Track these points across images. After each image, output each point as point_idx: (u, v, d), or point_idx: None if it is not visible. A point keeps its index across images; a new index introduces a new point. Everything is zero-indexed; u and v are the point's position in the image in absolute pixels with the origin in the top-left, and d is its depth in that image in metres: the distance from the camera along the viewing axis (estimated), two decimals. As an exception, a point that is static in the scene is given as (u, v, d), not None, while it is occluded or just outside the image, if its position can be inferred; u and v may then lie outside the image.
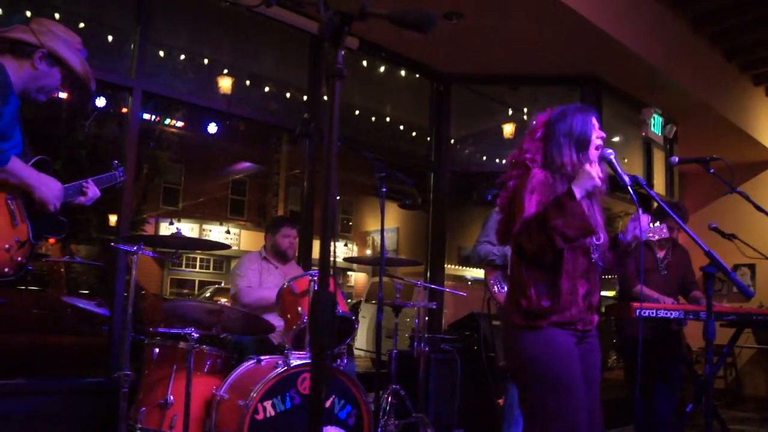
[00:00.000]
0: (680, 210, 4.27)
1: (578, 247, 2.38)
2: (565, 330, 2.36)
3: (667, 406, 4.30)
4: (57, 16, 4.16)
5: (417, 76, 6.11)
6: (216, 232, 19.19)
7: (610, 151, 2.45)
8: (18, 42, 2.36)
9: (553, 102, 2.57)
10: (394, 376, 4.08)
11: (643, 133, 6.68)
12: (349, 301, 16.52)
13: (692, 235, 2.59)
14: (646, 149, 7.05)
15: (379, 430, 3.74)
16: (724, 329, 4.09)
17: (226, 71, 5.02)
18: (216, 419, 3.08)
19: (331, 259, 1.46)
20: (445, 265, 6.27)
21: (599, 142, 2.44)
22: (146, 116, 9.37)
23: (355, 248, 21.44)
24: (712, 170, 3.59)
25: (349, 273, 21.51)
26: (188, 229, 17.88)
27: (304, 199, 5.08)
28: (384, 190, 3.81)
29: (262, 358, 3.23)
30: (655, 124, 6.70)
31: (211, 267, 21.62)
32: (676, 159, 3.99)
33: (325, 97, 1.47)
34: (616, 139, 6.85)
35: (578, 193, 2.22)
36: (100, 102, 4.99)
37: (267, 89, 5.35)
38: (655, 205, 3.78)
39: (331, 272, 1.46)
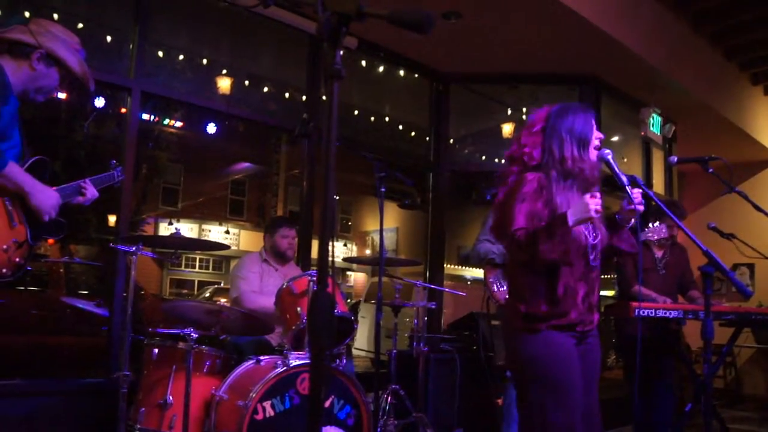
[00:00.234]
0: (677, 208, 4.27)
1: (575, 251, 2.38)
2: (565, 332, 2.36)
3: (667, 405, 4.31)
4: (56, 16, 4.15)
5: (416, 75, 6.11)
6: (215, 233, 19.17)
7: (608, 151, 2.45)
8: (16, 43, 2.36)
9: (553, 102, 2.57)
10: (394, 376, 4.08)
11: (642, 133, 6.68)
12: (349, 301, 16.51)
13: (690, 234, 2.59)
14: (645, 149, 7.06)
15: (379, 430, 3.74)
16: (723, 329, 4.09)
17: (224, 71, 5.02)
18: (215, 419, 3.08)
19: (330, 259, 1.46)
20: (445, 265, 6.27)
21: (597, 143, 2.45)
22: (145, 116, 9.37)
23: (355, 248, 21.45)
24: (711, 170, 3.59)
25: (349, 273, 21.51)
26: (187, 229, 17.86)
27: (304, 199, 5.07)
28: (383, 189, 3.81)
29: (262, 358, 3.23)
30: (654, 123, 6.70)
31: (211, 267, 21.61)
32: (675, 159, 3.99)
33: (324, 97, 1.47)
34: (615, 138, 6.86)
35: (571, 220, 2.21)
36: (99, 102, 4.99)
37: (266, 89, 5.35)
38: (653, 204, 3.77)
39: (330, 272, 1.46)
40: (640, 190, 2.44)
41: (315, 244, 4.69)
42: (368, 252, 20.37)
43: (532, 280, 2.38)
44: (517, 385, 2.58)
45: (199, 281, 21.02)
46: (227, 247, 5.61)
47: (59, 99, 7.77)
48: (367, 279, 17.36)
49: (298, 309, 3.43)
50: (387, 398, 3.98)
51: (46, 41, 2.39)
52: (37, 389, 3.62)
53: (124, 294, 3.68)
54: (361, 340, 9.72)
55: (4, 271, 2.26)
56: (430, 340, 4.61)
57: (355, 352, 9.03)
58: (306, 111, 5.03)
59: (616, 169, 2.44)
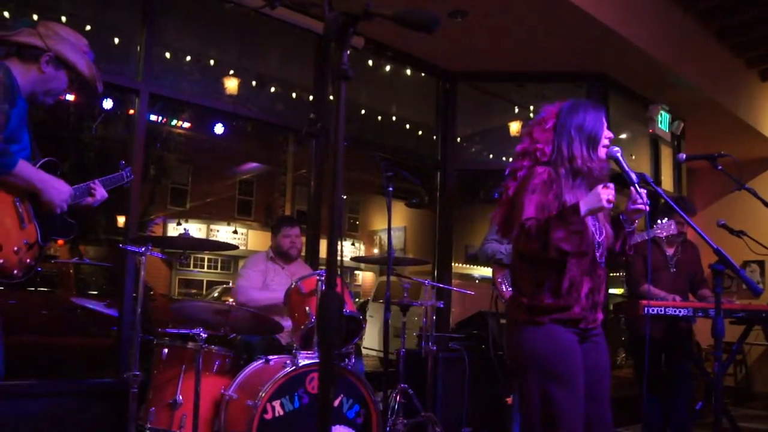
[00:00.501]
0: (685, 203, 4.24)
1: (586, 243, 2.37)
2: (567, 327, 2.36)
3: (684, 403, 4.28)
4: (63, 19, 4.18)
5: (423, 74, 6.10)
6: (223, 233, 19.25)
7: (617, 149, 2.45)
8: (25, 45, 2.37)
9: (560, 99, 2.56)
10: (402, 375, 4.08)
11: (650, 130, 6.65)
12: (357, 300, 16.51)
13: (699, 231, 2.57)
14: (654, 146, 7.03)
15: (388, 429, 3.74)
16: (733, 326, 4.07)
17: (232, 72, 5.04)
18: (225, 419, 3.10)
19: (339, 258, 1.46)
20: (453, 264, 6.26)
21: (607, 141, 2.45)
22: (153, 118, 9.39)
23: (363, 247, 21.47)
24: (719, 167, 3.57)
25: (357, 272, 21.56)
26: (196, 229, 17.92)
27: (311, 199, 5.09)
28: (391, 189, 3.82)
29: (271, 357, 3.23)
30: (662, 120, 6.68)
31: (219, 267, 21.68)
32: (684, 156, 3.96)
33: (331, 97, 1.47)
34: (623, 135, 6.82)
35: (583, 209, 2.21)
36: (107, 104, 5.00)
37: (273, 90, 5.36)
38: (662, 201, 3.76)
39: (339, 272, 1.46)
40: (646, 190, 2.43)
41: (323, 244, 4.71)
42: (376, 251, 20.39)
43: (536, 273, 2.38)
44: (518, 377, 2.57)
45: (207, 281, 21.10)
46: (235, 247, 5.63)
47: (68, 101, 7.82)
48: (375, 278, 17.40)
49: (307, 308, 3.44)
50: (396, 397, 3.98)
51: (54, 44, 2.40)
52: (47, 389, 3.64)
53: (134, 294, 3.70)
54: (370, 339, 9.73)
55: (15, 272, 2.27)
56: (438, 339, 4.61)
57: (364, 351, 9.03)
58: (313, 111, 5.03)
59: (626, 167, 2.43)
